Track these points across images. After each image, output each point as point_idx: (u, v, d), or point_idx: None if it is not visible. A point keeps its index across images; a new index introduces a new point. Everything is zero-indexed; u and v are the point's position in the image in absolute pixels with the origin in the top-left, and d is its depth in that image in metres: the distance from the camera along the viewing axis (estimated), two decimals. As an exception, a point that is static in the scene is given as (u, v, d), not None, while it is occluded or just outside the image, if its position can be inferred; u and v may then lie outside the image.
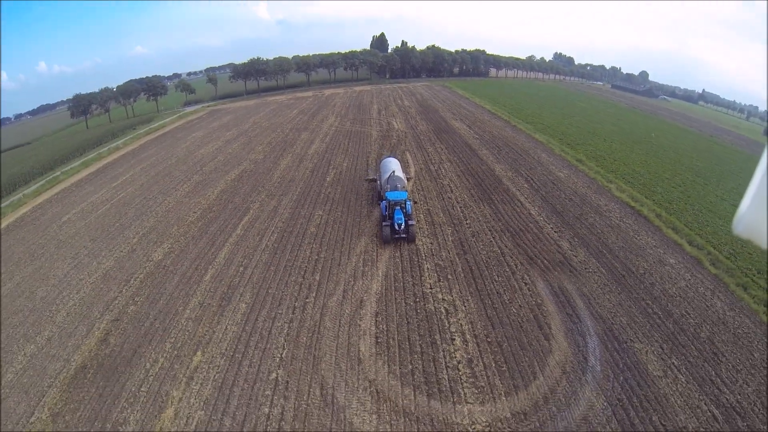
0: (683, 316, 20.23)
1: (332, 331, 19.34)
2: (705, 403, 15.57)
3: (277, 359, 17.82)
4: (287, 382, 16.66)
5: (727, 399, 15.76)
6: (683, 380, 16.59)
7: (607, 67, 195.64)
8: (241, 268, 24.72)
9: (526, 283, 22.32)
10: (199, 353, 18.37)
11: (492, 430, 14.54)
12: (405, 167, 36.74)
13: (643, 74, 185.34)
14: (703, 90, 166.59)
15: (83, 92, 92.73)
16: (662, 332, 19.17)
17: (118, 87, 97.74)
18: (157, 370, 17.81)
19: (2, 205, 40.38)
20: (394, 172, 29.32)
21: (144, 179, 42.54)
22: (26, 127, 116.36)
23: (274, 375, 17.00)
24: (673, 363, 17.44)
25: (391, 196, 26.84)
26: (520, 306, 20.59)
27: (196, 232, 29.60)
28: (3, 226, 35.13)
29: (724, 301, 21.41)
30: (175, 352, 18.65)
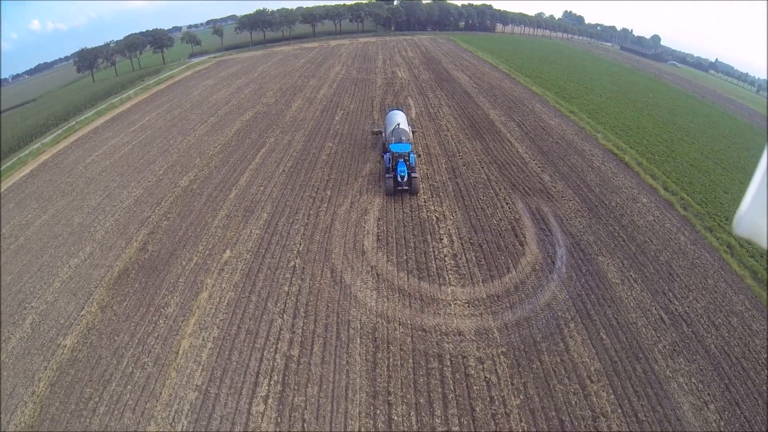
0: (646, 243, 22.77)
1: (341, 232, 23.03)
2: (655, 308, 18.20)
3: (295, 252, 21.46)
4: (303, 268, 20.31)
5: (676, 308, 18.33)
6: (638, 289, 19.29)
7: (618, 29, 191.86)
8: (262, 188, 28.15)
9: (507, 203, 25.63)
10: (228, 251, 21.88)
11: (470, 305, 18.07)
12: (410, 119, 36.94)
13: (655, 38, 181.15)
14: (716, 59, 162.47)
15: (81, 48, 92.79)
16: (625, 252, 21.87)
17: (118, 41, 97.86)
18: (192, 265, 21.13)
19: (21, 154, 42.01)
20: (399, 124, 29.28)
21: (161, 123, 45.00)
22: (26, 87, 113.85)
23: (292, 263, 20.64)
24: (631, 275, 20.14)
25: (395, 148, 26.82)
26: (500, 219, 23.98)
27: (218, 162, 32.71)
28: (26, 172, 36.78)
29: (688, 237, 23.60)
30: (207, 252, 22.05)
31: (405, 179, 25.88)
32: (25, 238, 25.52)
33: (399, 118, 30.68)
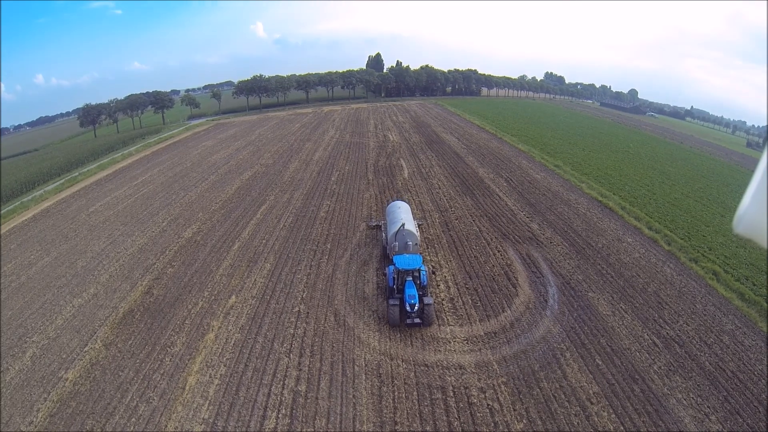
0: (634, 277, 24.22)
1: (342, 281, 24.01)
2: (647, 335, 19.39)
3: (299, 299, 22.37)
4: (308, 313, 21.16)
5: (667, 333, 19.51)
6: (629, 318, 20.53)
7: (597, 86, 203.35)
8: (264, 240, 29.30)
9: (498, 251, 27.01)
10: (233, 297, 22.66)
11: (469, 342, 18.92)
12: (413, 209, 31.83)
13: (632, 92, 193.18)
14: (692, 107, 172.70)
15: (86, 104, 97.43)
16: (613, 287, 23.25)
17: (120, 100, 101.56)
18: (198, 309, 21.87)
19: (24, 199, 43.71)
20: (404, 225, 23.72)
21: (163, 179, 46.73)
22: (27, 138, 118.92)
23: (297, 309, 21.51)
24: (621, 307, 21.42)
25: (401, 263, 20.53)
26: (493, 265, 25.25)
27: (221, 217, 34.06)
28: (28, 216, 38.13)
29: (674, 269, 25.19)
30: (213, 297, 22.82)
31: (416, 308, 19.25)
32: (27, 277, 26.26)
33: (403, 214, 25.50)
